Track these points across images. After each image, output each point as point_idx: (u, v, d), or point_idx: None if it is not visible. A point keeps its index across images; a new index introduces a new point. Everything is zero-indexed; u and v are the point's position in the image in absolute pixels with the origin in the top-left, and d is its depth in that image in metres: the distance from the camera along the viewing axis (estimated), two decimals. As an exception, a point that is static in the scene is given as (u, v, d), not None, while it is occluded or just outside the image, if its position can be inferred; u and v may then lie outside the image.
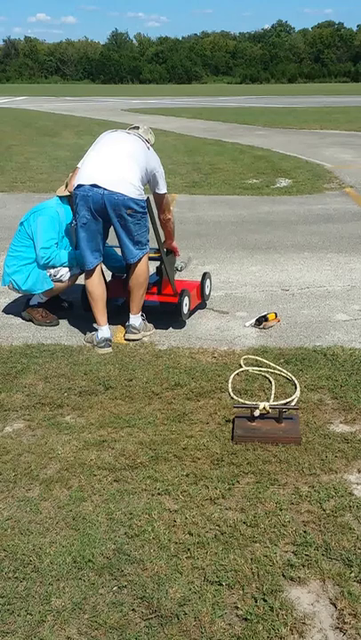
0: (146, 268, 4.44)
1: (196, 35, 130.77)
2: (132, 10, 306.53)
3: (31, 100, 43.46)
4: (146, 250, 4.41)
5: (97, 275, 4.42)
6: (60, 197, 4.80)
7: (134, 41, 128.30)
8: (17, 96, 50.69)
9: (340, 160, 13.43)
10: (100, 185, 4.14)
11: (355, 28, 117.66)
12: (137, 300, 4.51)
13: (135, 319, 4.53)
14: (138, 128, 4.63)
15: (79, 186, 4.21)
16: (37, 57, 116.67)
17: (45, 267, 4.72)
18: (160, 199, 4.61)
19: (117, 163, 4.26)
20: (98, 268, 4.42)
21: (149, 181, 4.48)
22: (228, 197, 9.89)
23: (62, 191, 4.76)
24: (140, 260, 4.37)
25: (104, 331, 4.40)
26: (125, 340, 4.52)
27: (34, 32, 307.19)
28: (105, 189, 4.14)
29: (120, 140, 4.41)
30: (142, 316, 4.59)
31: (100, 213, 4.21)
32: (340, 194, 10.01)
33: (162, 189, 4.58)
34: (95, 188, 4.15)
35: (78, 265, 4.65)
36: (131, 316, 4.53)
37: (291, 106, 33.92)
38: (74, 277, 4.83)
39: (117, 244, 4.41)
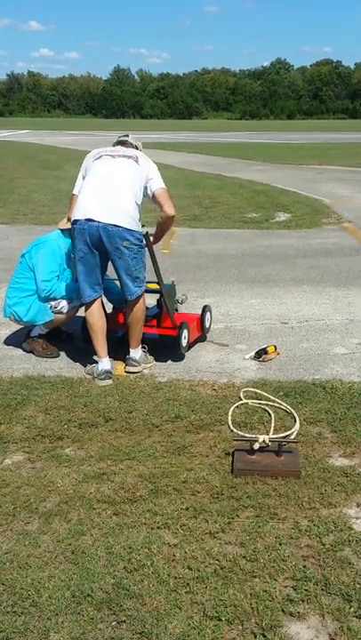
0: (143, 303, 4.48)
1: (196, 71, 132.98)
2: (135, 46, 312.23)
3: (34, 134, 44.09)
4: (143, 287, 4.44)
5: (97, 307, 4.45)
6: (62, 230, 4.86)
7: (136, 77, 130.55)
8: (20, 129, 51.40)
9: (339, 195, 13.60)
10: (94, 219, 4.18)
11: (353, 67, 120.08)
12: (136, 335, 4.54)
13: (135, 352, 4.55)
14: (127, 136, 4.65)
15: (75, 221, 4.26)
16: (40, 91, 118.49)
17: (46, 299, 4.77)
18: (159, 195, 4.38)
19: (111, 194, 4.25)
20: (98, 301, 4.45)
21: (147, 188, 4.36)
22: (227, 231, 10.00)
23: (64, 224, 4.83)
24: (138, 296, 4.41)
25: (104, 363, 4.42)
26: (126, 372, 4.54)
27: (37, 67, 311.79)
28: (100, 222, 4.17)
29: (112, 167, 4.34)
30: (143, 348, 4.61)
31: (96, 246, 4.24)
32: (338, 228, 10.13)
33: (158, 185, 4.38)
34: (90, 222, 4.19)
35: (78, 297, 4.69)
36: (131, 349, 4.55)
37: (290, 142, 34.41)
38: (74, 310, 4.87)
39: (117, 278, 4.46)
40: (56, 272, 4.78)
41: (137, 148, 4.57)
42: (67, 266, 4.86)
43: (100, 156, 4.42)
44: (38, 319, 4.80)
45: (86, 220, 4.20)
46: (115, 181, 4.30)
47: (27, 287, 4.82)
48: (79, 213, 4.26)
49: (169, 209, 4.40)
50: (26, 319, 4.83)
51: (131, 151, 4.46)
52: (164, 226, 4.55)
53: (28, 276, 4.83)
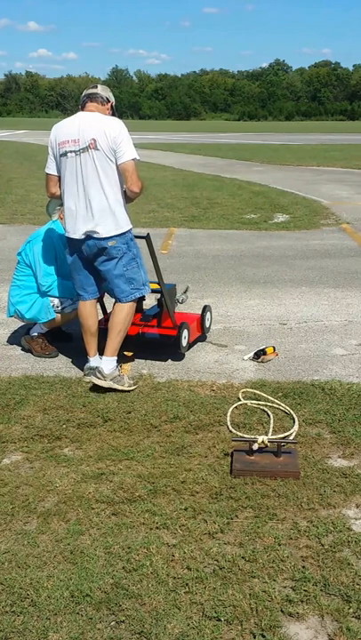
0: (130, 312, 4.30)
1: (195, 72, 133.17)
2: (133, 47, 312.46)
3: (31, 134, 44.00)
4: (142, 291, 4.32)
5: (90, 307, 4.41)
6: (54, 220, 4.94)
7: (134, 77, 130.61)
8: (17, 129, 51.36)
9: (337, 197, 13.62)
10: (82, 238, 4.12)
11: (351, 68, 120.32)
12: (113, 343, 4.28)
13: (107, 363, 4.25)
14: (96, 87, 4.27)
15: (67, 233, 4.23)
16: (38, 92, 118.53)
17: (47, 294, 4.78)
18: (124, 170, 4.08)
19: (91, 202, 4.07)
20: (91, 302, 4.42)
21: (115, 151, 4.03)
22: (226, 232, 10.00)
23: (55, 217, 4.91)
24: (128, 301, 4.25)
25: (91, 361, 4.40)
26: (87, 381, 4.31)
27: (35, 67, 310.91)
28: (88, 238, 4.11)
29: (81, 168, 4.05)
30: (118, 366, 4.34)
31: (86, 256, 4.20)
32: (336, 230, 10.13)
33: (123, 158, 4.04)
34: (82, 238, 4.13)
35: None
36: (103, 357, 4.29)
37: (288, 143, 34.44)
38: (76, 311, 4.86)
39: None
40: (54, 265, 4.80)
41: (108, 101, 4.25)
42: (63, 257, 4.88)
43: (66, 153, 4.09)
44: (41, 317, 4.81)
45: (78, 238, 4.15)
46: (89, 187, 4.06)
47: (27, 284, 4.84)
48: (67, 228, 4.20)
49: (133, 186, 4.12)
50: (28, 316, 4.84)
51: (91, 130, 4.03)
52: (129, 197, 4.26)
53: (27, 274, 4.85)
